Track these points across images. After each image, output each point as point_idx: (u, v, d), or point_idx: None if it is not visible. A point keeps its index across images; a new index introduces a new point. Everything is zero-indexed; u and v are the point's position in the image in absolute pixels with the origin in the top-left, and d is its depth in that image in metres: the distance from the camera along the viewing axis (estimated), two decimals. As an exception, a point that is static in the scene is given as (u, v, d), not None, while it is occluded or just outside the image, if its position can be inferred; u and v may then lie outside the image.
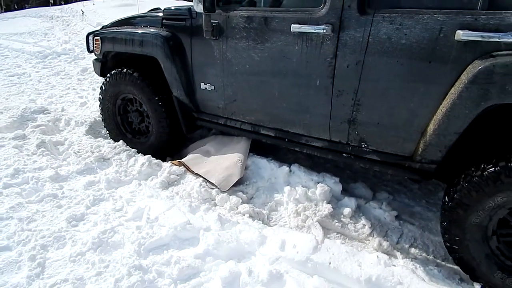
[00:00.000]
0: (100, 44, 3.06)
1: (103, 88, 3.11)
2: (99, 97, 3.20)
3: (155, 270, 1.68)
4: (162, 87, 2.80)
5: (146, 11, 3.39)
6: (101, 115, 3.26)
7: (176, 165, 2.64)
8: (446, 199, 1.85)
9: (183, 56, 2.64)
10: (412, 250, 2.13)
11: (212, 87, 2.58)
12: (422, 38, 1.69)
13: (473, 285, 1.85)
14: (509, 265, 1.73)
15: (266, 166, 2.59)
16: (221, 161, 2.59)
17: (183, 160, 2.67)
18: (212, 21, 2.33)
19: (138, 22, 2.96)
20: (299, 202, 2.34)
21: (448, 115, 1.68)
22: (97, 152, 2.84)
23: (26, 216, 2.05)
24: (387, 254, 1.93)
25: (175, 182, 2.54)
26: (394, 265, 1.60)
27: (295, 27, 2.04)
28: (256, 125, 2.51)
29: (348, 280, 1.56)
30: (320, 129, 2.22)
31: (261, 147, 2.86)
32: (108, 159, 2.79)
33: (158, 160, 2.74)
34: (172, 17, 2.66)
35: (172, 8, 2.76)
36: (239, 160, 2.55)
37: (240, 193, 2.42)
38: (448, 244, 1.90)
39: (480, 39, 1.55)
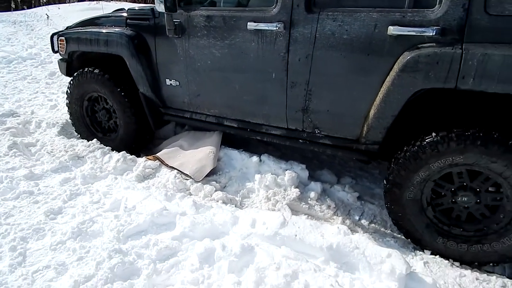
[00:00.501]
0: (65, 44, 3.13)
1: (69, 91, 3.19)
2: (66, 102, 3.27)
3: (134, 252, 1.79)
4: (128, 84, 2.90)
5: (110, 12, 3.46)
6: (70, 120, 3.32)
7: (151, 160, 2.74)
8: (385, 181, 2.10)
9: (147, 54, 2.76)
10: (372, 225, 2.35)
11: (177, 83, 2.71)
12: (361, 34, 1.92)
13: (423, 251, 2.09)
14: (447, 230, 1.99)
15: (237, 157, 2.74)
16: (195, 153, 2.72)
17: (157, 154, 2.78)
18: (174, 20, 2.47)
19: (102, 22, 3.05)
20: (269, 188, 2.51)
21: (385, 100, 1.92)
22: (71, 151, 2.89)
23: (3, 212, 2.09)
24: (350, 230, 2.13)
25: (151, 176, 2.64)
26: (353, 234, 1.80)
27: (251, 25, 2.22)
28: (220, 117, 2.67)
29: (312, 249, 1.73)
30: (278, 119, 2.40)
31: (232, 140, 3.02)
32: (83, 157, 2.84)
33: (133, 156, 2.83)
34: (136, 16, 2.78)
35: (136, 8, 2.88)
36: (211, 152, 2.68)
37: (214, 182, 2.56)
38: (395, 221, 2.14)
39: (407, 33, 1.79)
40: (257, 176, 2.57)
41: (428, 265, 1.94)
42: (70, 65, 3.23)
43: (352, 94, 2.07)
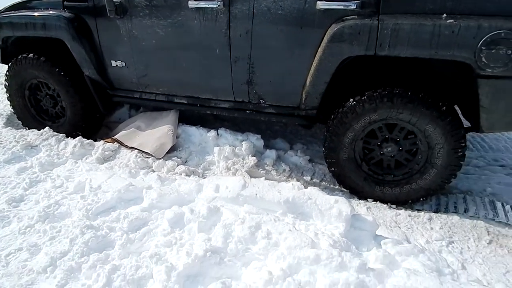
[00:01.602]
0: None
1: (7, 83, 3.06)
2: (7, 96, 3.14)
3: (106, 226, 1.88)
4: (71, 68, 2.85)
5: None
6: (15, 114, 3.19)
7: (110, 142, 2.78)
8: (323, 148, 2.37)
9: (89, 36, 2.73)
10: (323, 183, 2.62)
11: (123, 64, 2.73)
12: (293, 9, 2.10)
13: (367, 200, 2.41)
14: (381, 179, 2.32)
15: (195, 133, 2.87)
16: (153, 133, 2.80)
17: (115, 137, 2.82)
18: (114, 0, 2.47)
19: (36, 5, 2.91)
20: (228, 159, 2.68)
21: (318, 68, 2.15)
22: (23, 141, 2.82)
23: (-40, 205, 2.06)
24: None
25: (111, 158, 2.69)
26: (307, 184, 2.04)
27: (192, 3, 2.30)
28: (170, 95, 2.75)
29: (272, 204, 1.95)
30: (225, 92, 2.55)
31: (189, 118, 3.12)
32: (36, 146, 2.79)
33: (90, 140, 2.84)
34: None
35: None
36: (170, 130, 2.78)
37: (175, 158, 2.68)
38: (338, 180, 2.44)
39: (333, 7, 2.01)
40: (216, 149, 2.73)
41: (370, 209, 2.26)
42: (5, 52, 3.07)
43: (290, 65, 2.27)
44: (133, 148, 2.71)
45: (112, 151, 2.72)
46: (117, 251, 1.75)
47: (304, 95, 2.30)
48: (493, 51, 1.81)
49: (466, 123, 2.27)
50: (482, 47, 1.82)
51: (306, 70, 2.23)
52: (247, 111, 2.56)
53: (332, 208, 1.88)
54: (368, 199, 2.40)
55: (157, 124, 2.90)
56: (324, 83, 2.18)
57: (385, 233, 1.96)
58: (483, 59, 1.84)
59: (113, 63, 2.76)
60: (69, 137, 2.92)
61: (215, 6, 2.24)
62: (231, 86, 2.49)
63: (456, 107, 2.32)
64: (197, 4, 2.29)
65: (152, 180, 2.20)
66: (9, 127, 3.14)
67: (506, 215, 2.23)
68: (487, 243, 2.01)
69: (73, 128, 3.00)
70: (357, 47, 2.01)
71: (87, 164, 2.45)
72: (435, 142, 2.13)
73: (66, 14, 2.69)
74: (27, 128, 3.16)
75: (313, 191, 1.98)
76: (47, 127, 2.99)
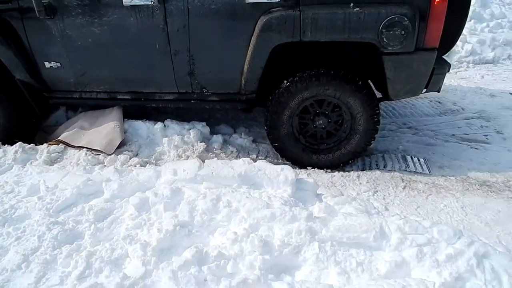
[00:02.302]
0: None
1: None
2: None
3: (71, 220, 1.96)
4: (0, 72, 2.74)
5: None
6: None
7: (54, 144, 2.75)
8: (265, 126, 2.68)
9: (17, 38, 2.64)
10: (268, 159, 2.93)
11: (58, 64, 2.70)
12: (225, 3, 2.33)
13: (307, 168, 2.78)
14: (317, 148, 2.71)
15: (142, 126, 2.97)
16: (99, 130, 2.83)
17: (59, 138, 2.80)
18: (43, 1, 2.44)
19: None
20: (178, 147, 2.85)
21: (253, 56, 2.42)
22: (-47, 153, 2.66)
23: None
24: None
25: (58, 159, 2.68)
26: (255, 162, 2.32)
27: (126, 1, 2.38)
28: (112, 92, 2.80)
29: (227, 180, 2.19)
30: (168, 85, 2.70)
31: (135, 114, 3.19)
32: (-30, 156, 2.66)
33: (31, 144, 2.78)
34: None
35: None
36: (116, 125, 2.84)
37: (126, 152, 2.77)
38: (281, 154, 2.77)
39: (260, 1, 2.28)
40: (165, 139, 2.88)
41: (309, 175, 2.64)
42: None
43: (228, 55, 2.50)
44: (80, 147, 2.73)
45: (59, 153, 2.71)
46: (88, 240, 1.85)
47: (243, 81, 2.55)
48: (391, 32, 2.24)
49: (379, 94, 2.75)
50: (383, 30, 2.25)
51: (242, 58, 2.47)
52: (192, 101, 2.74)
53: (279, 176, 2.18)
54: (307, 168, 2.77)
55: (102, 122, 2.93)
56: (260, 68, 2.46)
57: (324, 192, 2.33)
58: (384, 39, 2.27)
59: (47, 64, 2.71)
60: (6, 145, 2.81)
61: (150, 3, 2.36)
62: (173, 79, 2.64)
63: (370, 82, 2.78)
64: (131, 2, 2.38)
65: (110, 173, 2.29)
66: None
67: (414, 166, 2.77)
68: (402, 189, 2.51)
69: (8, 135, 2.89)
70: (285, 35, 2.31)
71: (36, 167, 2.43)
72: (356, 112, 2.55)
73: None
74: None
75: (261, 163, 2.26)
76: (-22, 137, 2.83)
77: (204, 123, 3.05)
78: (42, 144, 2.93)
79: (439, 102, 3.86)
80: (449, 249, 1.69)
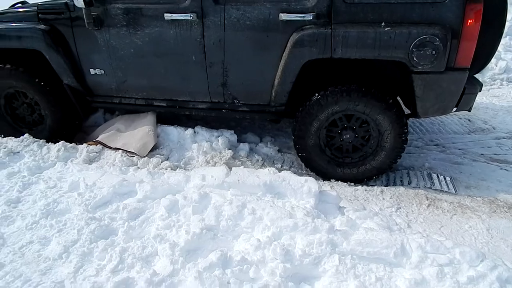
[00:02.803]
0: None
1: None
2: None
3: (107, 217, 2.11)
4: (47, 75, 2.97)
5: (7, 7, 3.37)
6: None
7: (93, 145, 2.95)
8: (292, 136, 2.75)
9: (67, 46, 2.87)
10: (292, 169, 3.00)
11: (102, 71, 2.91)
12: (259, 20, 2.44)
13: (330, 180, 2.82)
14: (342, 161, 2.75)
15: (174, 132, 3.12)
16: (134, 133, 3.01)
17: (98, 139, 2.99)
18: (92, 13, 2.64)
19: (7, 19, 2.99)
20: (206, 154, 2.97)
21: (284, 70, 2.51)
22: (3, 149, 2.91)
23: (-41, 209, 2.17)
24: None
25: (96, 159, 2.87)
26: (279, 171, 2.40)
27: (167, 16, 2.55)
28: (149, 99, 2.98)
29: (252, 188, 2.28)
30: (202, 94, 2.84)
31: (166, 119, 3.36)
32: (18, 152, 2.90)
33: (73, 144, 2.99)
34: (49, 11, 2.83)
35: (47, 3, 2.92)
36: (150, 130, 3.01)
37: (158, 155, 2.92)
38: (305, 164, 2.83)
39: (293, 18, 2.38)
40: (195, 145, 3.01)
41: (333, 187, 2.68)
42: None
43: (259, 68, 2.61)
44: (117, 149, 2.91)
45: (96, 153, 2.90)
46: (121, 237, 1.99)
47: (273, 94, 2.65)
48: (421, 52, 2.28)
49: (407, 111, 2.76)
50: (413, 49, 2.28)
51: (273, 72, 2.58)
52: (223, 110, 2.86)
53: (303, 187, 2.25)
54: (331, 180, 2.82)
55: (137, 125, 3.11)
56: (290, 82, 2.55)
57: (347, 205, 2.37)
58: (415, 59, 2.30)
59: (92, 71, 2.92)
60: (49, 143, 3.04)
61: (189, 18, 2.52)
62: (207, 89, 2.78)
63: (399, 98, 2.81)
64: (172, 16, 2.55)
65: (143, 175, 2.43)
66: (-16, 136, 3.17)
67: (440, 184, 2.75)
68: (426, 207, 2.50)
69: (53, 135, 3.11)
70: (316, 52, 2.40)
71: (77, 165, 2.62)
72: (384, 129, 2.58)
73: (42, 26, 2.81)
74: (2, 136, 3.21)
75: (286, 174, 2.34)
76: (26, 134, 3.07)
77: (232, 131, 3.17)
78: (81, 143, 3.15)
79: (469, 120, 3.80)
80: (471, 271, 1.70)
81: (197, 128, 3.14)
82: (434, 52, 2.26)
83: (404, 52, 2.30)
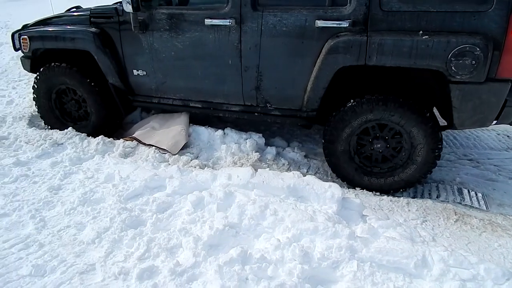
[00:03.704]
0: (28, 42, 3.30)
1: (36, 86, 3.39)
2: (33, 96, 3.47)
3: (138, 208, 2.24)
4: (95, 75, 3.20)
5: (63, 12, 3.66)
6: (38, 113, 3.53)
7: (129, 140, 3.13)
8: (323, 140, 2.77)
9: (113, 48, 3.09)
10: (317, 175, 3.02)
11: (144, 73, 3.09)
12: (296, 26, 2.50)
13: (355, 188, 2.81)
14: (370, 170, 2.73)
15: (204, 132, 3.24)
16: (167, 132, 3.16)
17: (134, 135, 3.17)
18: (138, 18, 2.83)
19: (63, 22, 3.26)
20: (234, 155, 3.06)
21: (317, 76, 2.54)
22: (49, 139, 3.15)
23: (8, 192, 2.39)
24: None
25: (131, 154, 3.04)
26: (304, 176, 2.43)
27: (207, 21, 2.68)
28: (186, 100, 3.11)
29: (276, 190, 2.33)
30: (236, 97, 2.93)
31: (198, 119, 3.49)
32: (62, 143, 3.13)
33: (111, 138, 3.18)
34: (100, 15, 3.07)
35: (99, 8, 3.17)
36: (182, 129, 3.15)
37: (188, 153, 3.05)
38: (333, 169, 2.84)
39: (329, 25, 2.42)
40: (223, 146, 3.11)
41: (357, 195, 2.67)
42: (34, 62, 3.40)
43: (293, 73, 2.66)
44: (150, 145, 3.07)
45: (132, 148, 3.07)
46: (149, 228, 2.10)
47: (305, 99, 2.69)
48: (460, 61, 2.22)
49: (443, 122, 2.69)
50: (452, 58, 2.23)
51: (306, 78, 2.62)
52: (256, 114, 2.93)
53: (326, 192, 2.27)
54: (356, 188, 2.81)
55: (170, 125, 3.26)
56: (323, 88, 2.58)
57: (370, 213, 2.36)
58: (453, 68, 2.25)
59: (135, 72, 3.10)
60: (90, 136, 3.26)
61: (228, 23, 2.63)
62: (241, 92, 2.87)
63: (435, 109, 2.75)
64: (212, 22, 2.68)
65: (173, 171, 2.56)
66: (33, 128, 3.46)
67: (470, 200, 2.66)
68: (454, 221, 2.44)
69: (96, 131, 3.33)
70: (350, 59, 2.41)
71: (113, 158, 2.79)
72: (418, 142, 2.53)
73: (93, 29, 3.05)
74: (49, 128, 3.48)
75: (310, 178, 2.37)
76: (70, 127, 3.31)
77: (260, 135, 3.24)
78: (118, 139, 3.34)
79: (507, 136, 3.63)
80: (495, 289, 1.65)
81: (227, 130, 3.24)
82: (473, 62, 2.20)
83: (442, 61, 2.26)
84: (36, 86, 3.39)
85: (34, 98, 3.46)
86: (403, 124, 2.50)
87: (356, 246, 1.87)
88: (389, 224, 2.14)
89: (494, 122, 2.44)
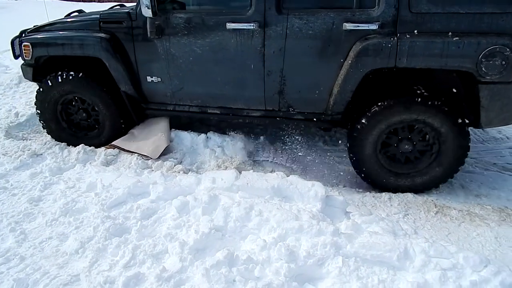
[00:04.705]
0: (31, 49, 3.08)
1: (39, 98, 3.17)
2: (37, 112, 3.26)
3: (121, 216, 2.21)
4: (108, 84, 3.05)
5: (64, 16, 3.53)
6: (45, 130, 3.32)
7: (110, 148, 3.09)
8: (348, 143, 2.71)
9: (125, 54, 2.94)
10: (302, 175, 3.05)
11: (159, 79, 2.96)
12: (322, 29, 2.47)
13: (338, 186, 2.86)
14: (395, 171, 2.71)
15: (187, 137, 3.23)
16: (147, 137, 3.13)
17: (113, 143, 3.13)
18: (155, 23, 2.70)
19: (69, 27, 3.08)
20: (218, 158, 3.06)
21: (345, 79, 2.51)
22: (28, 150, 3.08)
23: (-14, 206, 2.32)
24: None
25: (113, 161, 3.00)
26: (288, 176, 2.46)
27: (230, 25, 2.60)
28: (203, 106, 3.01)
29: (261, 191, 2.34)
30: (257, 102, 2.86)
31: (181, 124, 3.47)
32: (41, 154, 3.07)
33: (92, 147, 3.13)
34: (111, 20, 2.91)
35: (110, 12, 3.05)
36: (162, 134, 3.12)
37: (171, 159, 3.03)
38: (358, 171, 2.78)
39: (358, 28, 2.40)
40: (207, 150, 3.11)
41: (341, 192, 2.72)
42: (36, 70, 3.19)
43: (319, 77, 2.62)
44: (131, 152, 3.04)
45: (114, 156, 3.03)
46: (134, 235, 2.08)
47: (331, 102, 2.65)
48: (491, 62, 2.26)
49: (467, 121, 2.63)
50: (482, 59, 2.26)
51: (332, 81, 2.59)
52: (277, 118, 2.87)
53: (310, 191, 2.30)
54: (382, 189, 2.76)
55: (150, 130, 3.23)
56: (350, 91, 2.55)
57: (353, 210, 2.40)
58: (483, 69, 2.28)
59: (148, 78, 2.97)
60: (70, 145, 3.20)
61: (251, 27, 2.56)
62: (263, 97, 2.80)
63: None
64: (235, 25, 2.59)
65: (157, 177, 2.54)
66: (10, 139, 3.36)
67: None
68: (435, 214, 2.51)
69: (108, 142, 3.15)
70: (380, 61, 2.40)
71: (95, 167, 2.75)
72: (446, 141, 2.53)
73: (104, 34, 2.89)
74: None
75: (294, 178, 2.40)
76: (49, 136, 3.24)
77: (243, 136, 3.25)
78: (104, 146, 3.28)
79: (482, 129, 3.76)
80: (474, 276, 1.71)
81: (210, 134, 3.24)
82: (503, 62, 2.24)
83: (472, 62, 2.28)
84: (39, 97, 3.16)
85: (37, 113, 3.25)
86: (433, 124, 2.48)
87: (340, 242, 1.90)
88: (372, 219, 2.18)
89: None
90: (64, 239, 2.07)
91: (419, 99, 2.46)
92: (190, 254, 1.90)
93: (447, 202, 2.64)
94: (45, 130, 3.35)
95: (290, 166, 3.18)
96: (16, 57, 3.27)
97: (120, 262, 1.87)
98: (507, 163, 3.15)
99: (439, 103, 2.46)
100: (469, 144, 2.56)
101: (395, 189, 2.72)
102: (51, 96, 3.15)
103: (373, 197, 2.70)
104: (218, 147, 3.12)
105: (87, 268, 1.85)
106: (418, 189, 2.71)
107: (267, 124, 3.14)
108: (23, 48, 3.12)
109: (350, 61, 2.44)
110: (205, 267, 1.79)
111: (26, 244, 2.02)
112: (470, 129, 3.69)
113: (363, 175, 2.78)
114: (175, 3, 2.89)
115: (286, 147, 3.48)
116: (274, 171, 3.00)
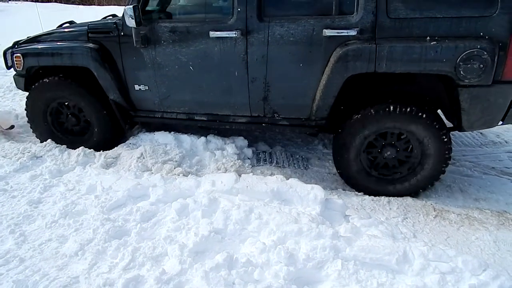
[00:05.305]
0: (22, 60, 3.14)
1: (29, 104, 3.23)
2: (28, 119, 3.32)
3: (121, 219, 2.22)
4: (98, 92, 3.10)
5: (55, 28, 3.55)
6: (35, 134, 3.38)
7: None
8: (334, 147, 2.75)
9: (113, 64, 2.98)
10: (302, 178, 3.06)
11: (146, 87, 3.00)
12: (303, 36, 2.50)
13: (337, 189, 2.87)
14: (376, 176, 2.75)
15: (187, 140, 3.23)
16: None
17: None
18: (140, 32, 2.75)
19: (59, 37, 3.14)
20: (218, 161, 3.07)
21: (326, 85, 2.54)
22: (28, 152, 3.08)
23: (-14, 208, 2.32)
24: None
25: (113, 164, 3.01)
26: (288, 180, 2.47)
27: (213, 34, 2.64)
28: (190, 113, 3.05)
29: (260, 194, 2.35)
30: (243, 108, 2.89)
31: (181, 127, 3.48)
32: (41, 156, 3.06)
33: (91, 149, 3.14)
34: (99, 30, 2.96)
35: (97, 23, 3.09)
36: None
37: (171, 161, 3.03)
38: (340, 174, 2.82)
39: (337, 34, 2.42)
40: (207, 153, 3.11)
41: (340, 196, 2.72)
42: (28, 80, 3.25)
43: (301, 83, 2.65)
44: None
45: (113, 158, 3.04)
46: (134, 238, 2.09)
47: (315, 108, 2.67)
48: (469, 65, 2.26)
49: (449, 124, 2.71)
50: (460, 63, 2.28)
51: (315, 87, 2.61)
52: (263, 124, 2.90)
53: (309, 194, 2.31)
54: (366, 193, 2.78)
55: None
56: (332, 97, 2.57)
57: (353, 213, 2.41)
58: (462, 72, 2.29)
59: (136, 87, 3.01)
60: (70, 148, 3.20)
61: (234, 35, 2.59)
62: (248, 103, 2.83)
63: (440, 112, 2.75)
64: (218, 34, 2.63)
65: (156, 180, 2.55)
66: (10, 141, 3.37)
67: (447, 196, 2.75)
68: (433, 217, 2.52)
69: (99, 147, 3.20)
70: (360, 66, 2.42)
71: (95, 169, 2.76)
72: (428, 147, 2.56)
73: (91, 45, 2.93)
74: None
75: (293, 181, 2.41)
76: (49, 139, 3.23)
77: (242, 138, 3.26)
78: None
79: (481, 133, 3.78)
80: (473, 279, 1.72)
81: (210, 137, 3.25)
82: (481, 65, 2.25)
83: (451, 66, 2.29)
84: (29, 104, 3.23)
85: (28, 121, 3.31)
86: (410, 130, 2.51)
87: (339, 246, 1.91)
88: (371, 223, 2.19)
89: (500, 122, 2.49)
90: (63, 241, 2.07)
91: (392, 108, 2.49)
92: (189, 256, 1.90)
93: (446, 205, 2.65)
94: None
95: (290, 169, 3.19)
96: (8, 67, 3.32)
97: (119, 265, 1.88)
98: (506, 167, 3.16)
99: (414, 109, 2.47)
100: (451, 148, 2.56)
101: (376, 193, 2.75)
102: (41, 102, 3.19)
103: (372, 200, 2.70)
104: (218, 150, 3.12)
105: (86, 270, 1.85)
106: (400, 194, 2.74)
107: (253, 130, 3.14)
108: (14, 59, 3.17)
109: (331, 67, 2.47)
110: (205, 269, 1.79)
111: (26, 246, 2.02)
112: (469, 133, 3.78)
113: (353, 184, 2.83)
114: (160, 13, 2.92)
115: (286, 150, 3.50)
116: (274, 174, 3.02)
